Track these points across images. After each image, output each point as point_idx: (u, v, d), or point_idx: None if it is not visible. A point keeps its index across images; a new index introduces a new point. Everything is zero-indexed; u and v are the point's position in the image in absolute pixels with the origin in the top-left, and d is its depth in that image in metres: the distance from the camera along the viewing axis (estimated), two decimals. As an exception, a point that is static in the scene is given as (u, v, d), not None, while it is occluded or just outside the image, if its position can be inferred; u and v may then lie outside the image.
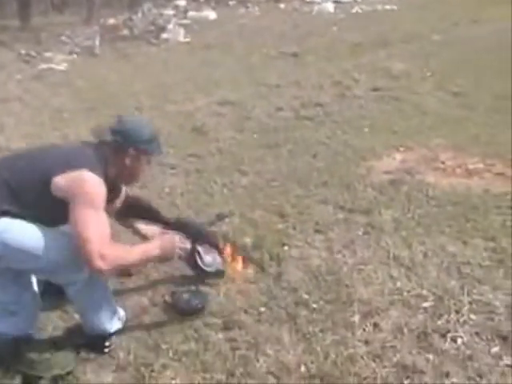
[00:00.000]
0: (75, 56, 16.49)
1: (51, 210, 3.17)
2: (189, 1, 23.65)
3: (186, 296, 3.88)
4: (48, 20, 23.09)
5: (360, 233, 4.79)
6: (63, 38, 18.72)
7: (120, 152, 3.38)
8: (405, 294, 3.90)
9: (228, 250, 4.28)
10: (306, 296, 3.92)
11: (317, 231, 4.85)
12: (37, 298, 3.54)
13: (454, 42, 13.50)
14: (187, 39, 17.78)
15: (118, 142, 3.37)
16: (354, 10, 20.82)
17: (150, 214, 4.00)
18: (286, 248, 4.57)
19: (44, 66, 14.38)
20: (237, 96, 9.53)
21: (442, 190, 5.60)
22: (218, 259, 4.10)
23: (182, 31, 18.42)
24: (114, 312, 3.60)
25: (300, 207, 5.30)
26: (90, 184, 3.13)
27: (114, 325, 3.57)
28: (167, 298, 3.96)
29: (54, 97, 11.18)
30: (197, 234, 3.88)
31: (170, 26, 18.68)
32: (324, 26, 17.48)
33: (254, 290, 4.05)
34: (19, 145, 7.14)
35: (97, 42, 17.39)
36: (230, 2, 23.00)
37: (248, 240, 4.68)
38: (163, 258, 3.46)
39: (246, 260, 4.30)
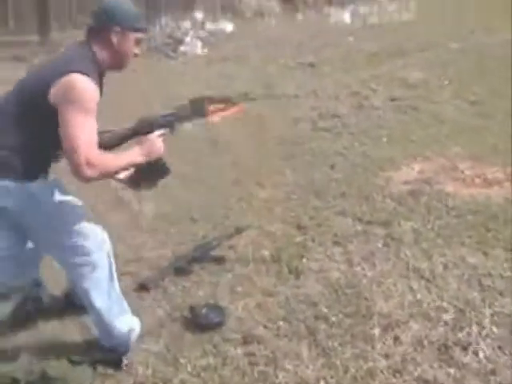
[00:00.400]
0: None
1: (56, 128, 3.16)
2: (206, 13, 23.72)
3: (204, 310, 3.87)
4: (67, 35, 23.25)
5: (379, 245, 4.76)
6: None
7: (106, 33, 3.29)
8: (425, 306, 3.87)
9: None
10: (325, 310, 3.89)
11: (336, 243, 4.83)
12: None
13: (471, 51, 13.43)
14: (205, 52, 17.86)
15: (103, 23, 3.30)
16: (370, 21, 20.80)
17: (116, 136, 3.64)
18: (304, 261, 4.56)
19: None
20: (254, 107, 9.51)
21: (461, 200, 5.55)
22: None
23: (199, 44, 18.51)
24: (127, 312, 3.63)
25: (318, 219, 5.28)
26: (81, 88, 3.09)
27: (127, 324, 3.57)
28: (185, 312, 3.95)
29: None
30: (166, 123, 3.60)
31: (188, 39, 18.78)
32: (340, 36, 17.48)
33: (272, 303, 4.04)
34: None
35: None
36: (247, 14, 23.04)
37: (266, 253, 4.68)
38: (148, 159, 3.38)
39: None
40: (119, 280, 4.35)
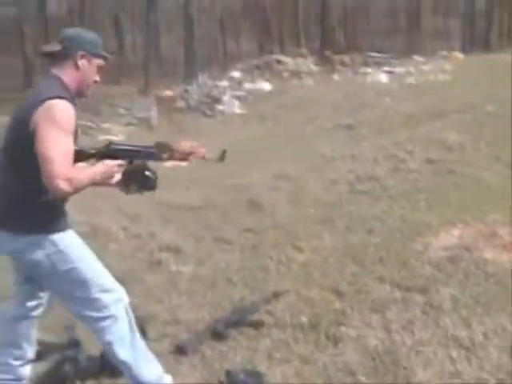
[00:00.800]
0: (132, 127, 16.85)
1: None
2: (243, 72, 24.00)
3: (241, 376, 3.87)
4: (105, 90, 23.71)
5: (418, 312, 4.73)
6: (120, 109, 19.16)
7: (71, 59, 3.47)
8: (465, 377, 3.84)
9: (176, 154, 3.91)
10: (362, 378, 3.88)
11: (374, 310, 4.81)
12: None
13: (507, 113, 13.40)
14: (242, 111, 18.03)
15: (67, 48, 3.46)
16: (407, 81, 20.85)
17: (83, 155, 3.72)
18: (342, 328, 4.54)
19: (102, 137, 14.70)
20: (292, 169, 9.59)
21: (501, 267, 5.51)
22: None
23: (236, 103, 18.69)
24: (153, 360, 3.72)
25: (356, 285, 5.28)
26: (58, 109, 3.25)
27: (154, 373, 3.66)
28: (222, 377, 3.95)
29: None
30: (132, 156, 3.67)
31: (225, 98, 18.97)
32: (377, 96, 17.54)
33: (310, 370, 4.04)
34: (75, 217, 7.27)
35: (153, 114, 17.77)
36: (284, 74, 23.24)
37: (304, 319, 4.68)
38: (104, 181, 3.49)
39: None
40: (156, 341, 4.40)
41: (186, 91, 20.27)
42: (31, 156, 3.23)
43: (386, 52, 27.91)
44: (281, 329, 4.61)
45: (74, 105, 3.40)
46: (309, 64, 24.73)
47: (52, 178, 3.13)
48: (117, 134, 15.73)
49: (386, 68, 23.66)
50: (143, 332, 4.37)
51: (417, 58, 26.49)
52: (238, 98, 19.43)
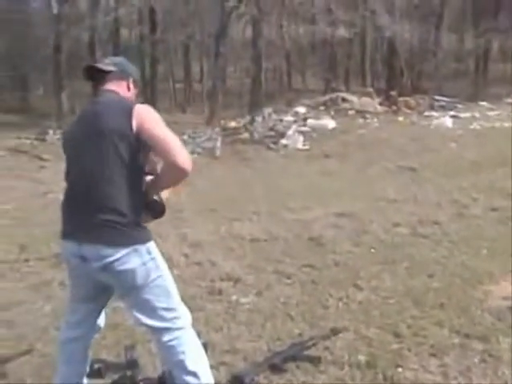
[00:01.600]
0: (196, 156, 17.08)
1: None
2: (309, 108, 24.16)
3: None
4: (172, 118, 24.10)
5: (476, 360, 4.70)
6: (185, 137, 19.43)
7: (125, 81, 3.88)
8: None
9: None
10: (419, 421, 3.89)
11: (432, 355, 4.79)
12: None
13: None
14: (306, 146, 18.14)
15: (123, 71, 3.86)
16: (472, 126, 20.73)
17: None
18: (400, 370, 4.55)
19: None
20: (354, 208, 9.65)
21: None
22: None
23: (301, 138, 18.82)
24: None
25: (415, 328, 5.26)
26: (152, 111, 3.60)
27: None
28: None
29: (174, 195, 11.58)
30: None
31: (290, 133, 19.12)
32: (442, 141, 17.49)
33: (366, 411, 4.06)
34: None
35: (218, 144, 18.00)
36: (349, 112, 23.34)
37: (362, 358, 4.71)
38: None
39: None
40: (214, 369, 4.49)
41: (251, 123, 20.50)
42: (135, 158, 3.53)
43: (451, 96, 27.79)
44: (338, 366, 4.63)
45: None
46: (374, 104, 24.76)
47: (185, 163, 3.47)
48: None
49: (452, 112, 23.57)
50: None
51: (482, 103, 26.36)
52: (302, 133, 19.55)
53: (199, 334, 4.82)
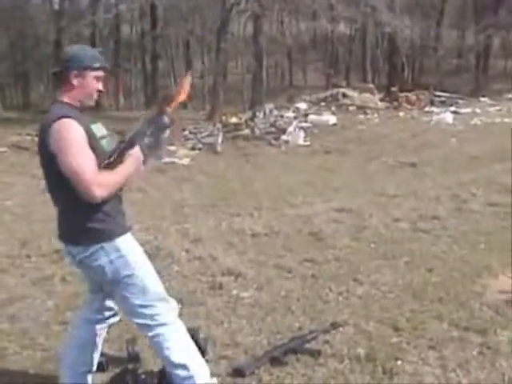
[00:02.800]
0: (197, 151, 17.12)
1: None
2: (309, 104, 24.19)
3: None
4: (172, 113, 24.09)
5: (475, 353, 4.74)
6: (187, 133, 19.47)
7: (67, 79, 3.66)
8: (519, 420, 3.86)
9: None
10: (417, 413, 3.93)
11: (431, 348, 4.83)
12: None
13: None
14: (307, 142, 18.16)
15: (63, 68, 3.68)
16: (472, 122, 20.75)
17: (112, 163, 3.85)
18: (399, 363, 4.59)
19: (167, 159, 14.98)
20: (354, 204, 9.68)
21: (561, 311, 5.49)
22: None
23: (302, 134, 18.83)
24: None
25: (414, 322, 5.30)
26: (64, 129, 3.45)
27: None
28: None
29: (176, 191, 11.67)
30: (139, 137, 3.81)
31: (291, 129, 19.13)
32: (442, 136, 17.52)
33: (366, 403, 4.09)
34: (140, 236, 7.47)
35: (219, 140, 18.03)
36: (350, 108, 23.37)
37: (362, 351, 4.75)
38: (136, 170, 3.70)
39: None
40: (215, 363, 4.54)
41: (252, 119, 20.51)
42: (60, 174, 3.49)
43: (452, 92, 27.81)
44: (338, 359, 4.67)
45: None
46: (375, 100, 24.78)
47: (87, 190, 3.39)
48: (182, 157, 16.01)
49: (452, 108, 23.59)
50: (203, 353, 4.53)
51: (483, 99, 26.38)
52: (303, 129, 19.56)
53: (200, 329, 4.90)
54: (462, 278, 6.42)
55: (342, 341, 4.95)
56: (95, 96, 3.77)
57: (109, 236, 3.63)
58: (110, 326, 4.20)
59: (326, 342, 4.95)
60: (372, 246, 7.60)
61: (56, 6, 32.60)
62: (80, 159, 3.40)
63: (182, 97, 3.84)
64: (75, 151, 3.41)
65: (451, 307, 5.62)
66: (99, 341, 4.11)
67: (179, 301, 4.33)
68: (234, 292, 6.17)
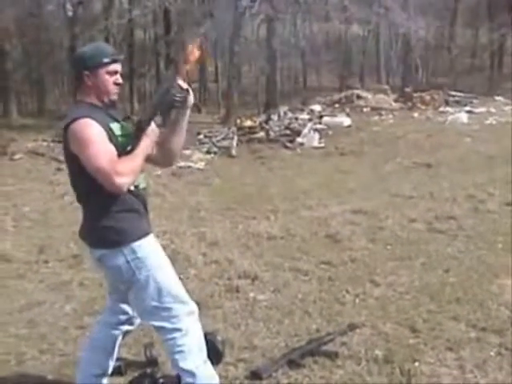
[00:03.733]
0: (212, 155, 17.14)
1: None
2: (324, 106, 24.13)
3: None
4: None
5: (493, 353, 4.74)
6: (201, 137, 19.49)
7: (82, 81, 3.68)
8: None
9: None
10: (436, 414, 3.93)
11: (448, 349, 4.84)
12: None
13: None
14: (321, 144, 18.12)
15: (75, 72, 3.72)
16: (487, 121, 20.61)
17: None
18: (416, 364, 4.59)
19: (183, 163, 15.01)
20: (370, 205, 9.67)
21: None
22: None
23: (316, 136, 18.78)
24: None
25: (432, 323, 5.31)
26: (78, 129, 3.48)
27: None
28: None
29: (192, 195, 11.69)
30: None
31: (305, 131, 19.08)
32: (457, 136, 17.43)
33: (384, 404, 4.09)
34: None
35: (234, 143, 18.04)
36: (365, 109, 23.29)
37: (379, 353, 4.75)
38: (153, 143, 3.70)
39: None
40: (232, 366, 4.55)
41: (267, 122, 20.49)
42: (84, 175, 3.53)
43: (467, 91, 27.68)
44: (355, 361, 4.68)
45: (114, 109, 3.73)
46: (389, 100, 24.70)
47: (109, 181, 3.41)
48: (197, 162, 16.05)
49: (467, 108, 23.47)
50: (220, 356, 4.55)
51: (498, 98, 26.24)
52: (318, 131, 19.52)
53: (217, 332, 4.91)
54: (479, 278, 6.41)
55: (359, 342, 4.96)
56: (115, 90, 3.75)
57: (128, 237, 3.66)
58: (127, 332, 4.22)
59: (344, 343, 4.96)
60: (388, 247, 7.60)
61: (70, 13, 32.68)
62: (96, 153, 3.44)
63: (194, 56, 3.74)
64: (91, 148, 3.44)
65: (468, 308, 5.61)
66: (115, 345, 4.13)
67: (197, 304, 4.35)
68: (251, 295, 6.19)
